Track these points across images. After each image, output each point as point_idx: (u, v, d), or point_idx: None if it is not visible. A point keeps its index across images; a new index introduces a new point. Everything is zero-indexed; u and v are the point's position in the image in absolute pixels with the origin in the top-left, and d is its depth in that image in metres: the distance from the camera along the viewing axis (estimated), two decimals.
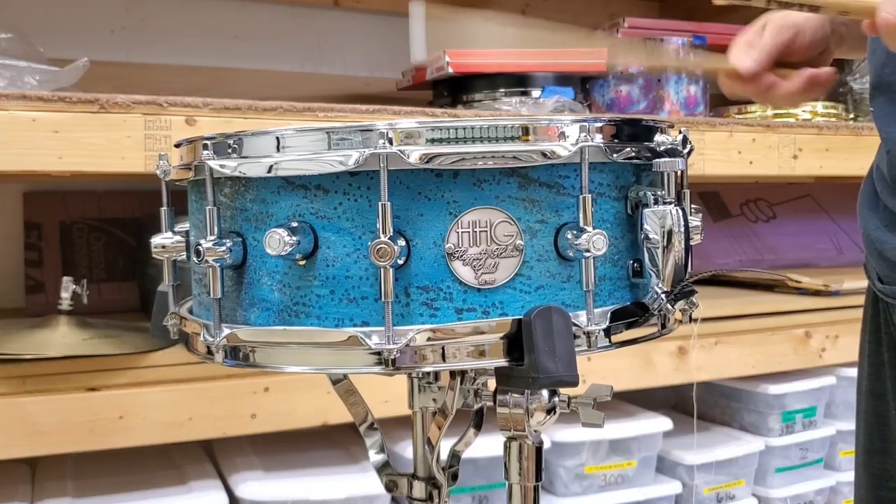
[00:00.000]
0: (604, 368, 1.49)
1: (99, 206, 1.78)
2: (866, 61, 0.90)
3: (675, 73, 1.59)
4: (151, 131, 1.18)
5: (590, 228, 0.66)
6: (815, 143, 1.69)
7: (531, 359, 0.64)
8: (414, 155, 0.63)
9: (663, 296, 0.70)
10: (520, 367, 0.65)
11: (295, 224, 0.66)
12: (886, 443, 0.93)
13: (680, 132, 0.74)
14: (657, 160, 0.70)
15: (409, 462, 0.94)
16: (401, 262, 0.64)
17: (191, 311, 0.78)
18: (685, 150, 0.74)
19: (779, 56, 0.91)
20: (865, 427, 0.96)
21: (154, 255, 0.76)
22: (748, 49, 0.90)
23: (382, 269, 0.63)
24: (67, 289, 1.30)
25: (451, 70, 1.60)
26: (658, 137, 0.72)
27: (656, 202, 0.69)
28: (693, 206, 0.77)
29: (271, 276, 0.67)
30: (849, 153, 1.71)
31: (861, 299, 1.00)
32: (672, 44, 1.65)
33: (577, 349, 0.66)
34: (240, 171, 0.67)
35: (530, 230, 0.66)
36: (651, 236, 0.69)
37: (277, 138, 0.67)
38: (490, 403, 0.79)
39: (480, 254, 0.65)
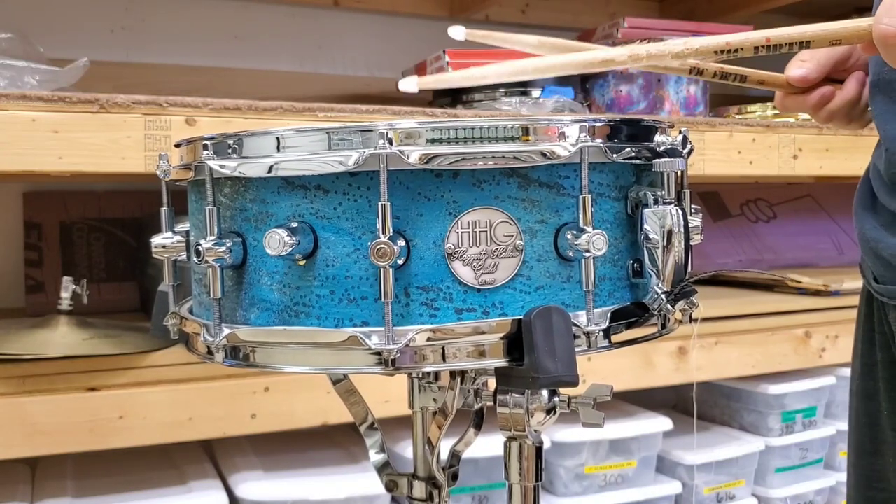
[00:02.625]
0: (604, 368, 1.49)
1: (99, 206, 1.78)
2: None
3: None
4: (151, 131, 1.18)
5: (590, 228, 0.66)
6: (815, 143, 1.69)
7: (531, 359, 0.64)
8: (414, 155, 0.63)
9: (663, 296, 0.70)
10: (520, 368, 0.65)
11: (295, 224, 0.66)
12: (876, 443, 0.93)
13: (680, 132, 0.74)
14: (657, 160, 0.70)
15: (409, 462, 0.94)
16: (400, 262, 0.64)
17: (191, 311, 0.78)
18: (685, 151, 0.74)
19: (833, 70, 0.89)
20: (857, 427, 0.96)
21: (154, 255, 0.76)
22: (802, 62, 0.89)
23: (382, 270, 0.63)
24: (67, 289, 1.30)
25: (451, 70, 1.59)
26: (658, 137, 0.72)
27: (656, 202, 0.69)
28: (693, 206, 0.76)
29: (271, 276, 0.67)
30: (849, 153, 1.71)
31: None
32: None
33: (576, 349, 0.66)
34: (240, 172, 0.67)
35: (530, 230, 0.66)
36: (651, 236, 0.69)
37: (277, 138, 0.67)
38: (490, 403, 0.79)
39: (480, 254, 0.65)
